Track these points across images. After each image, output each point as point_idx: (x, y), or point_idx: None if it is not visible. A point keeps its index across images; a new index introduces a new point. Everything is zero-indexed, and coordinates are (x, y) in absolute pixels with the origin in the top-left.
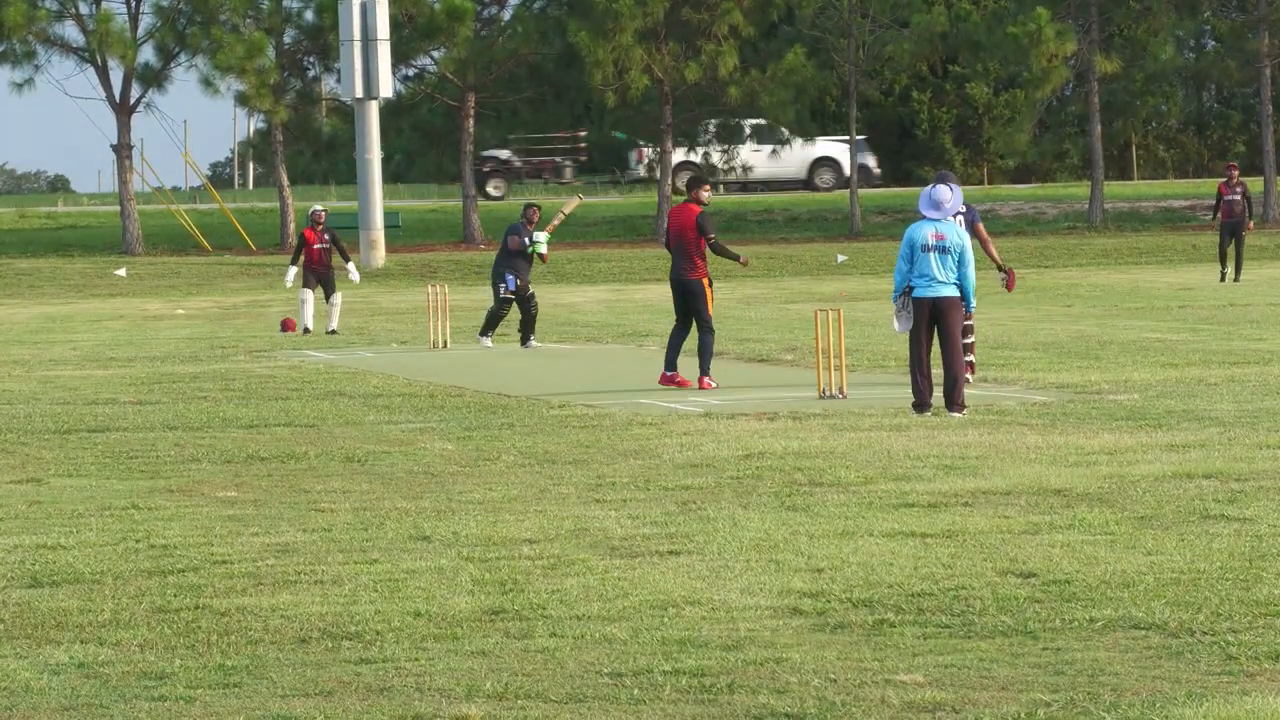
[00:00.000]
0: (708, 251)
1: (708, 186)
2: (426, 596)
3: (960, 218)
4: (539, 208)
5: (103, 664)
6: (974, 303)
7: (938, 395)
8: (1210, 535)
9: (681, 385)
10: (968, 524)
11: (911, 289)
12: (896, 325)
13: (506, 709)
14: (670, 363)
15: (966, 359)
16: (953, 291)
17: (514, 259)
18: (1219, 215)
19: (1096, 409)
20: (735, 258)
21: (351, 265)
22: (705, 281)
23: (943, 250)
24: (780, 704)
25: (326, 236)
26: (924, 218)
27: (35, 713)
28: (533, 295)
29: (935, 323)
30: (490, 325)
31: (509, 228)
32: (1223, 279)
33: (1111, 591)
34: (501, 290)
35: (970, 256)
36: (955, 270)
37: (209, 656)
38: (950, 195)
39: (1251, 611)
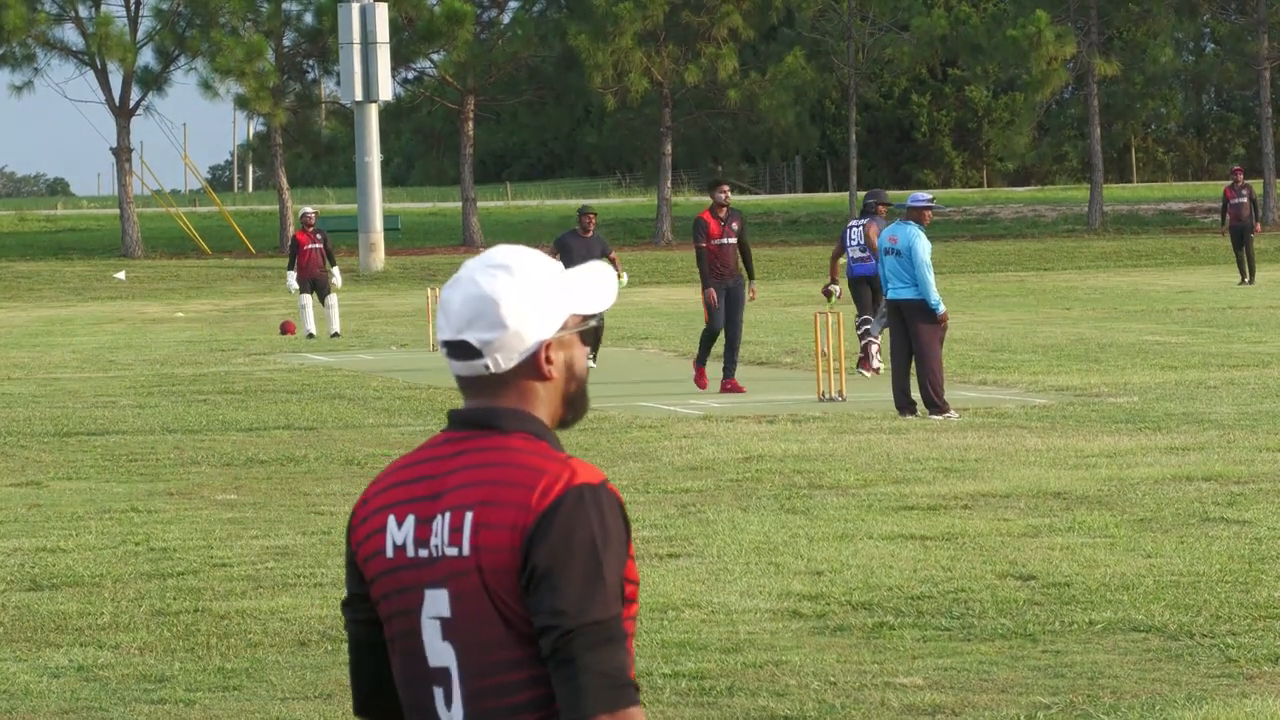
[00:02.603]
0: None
1: (723, 187)
2: None
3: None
4: (594, 214)
5: (102, 667)
6: (934, 301)
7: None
8: (1210, 538)
9: (736, 390)
10: (967, 527)
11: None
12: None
13: None
14: (702, 358)
15: None
16: (912, 294)
17: None
18: (1227, 219)
19: (1096, 412)
20: (704, 277)
21: (336, 270)
22: (702, 285)
23: (896, 253)
24: (780, 707)
25: (319, 237)
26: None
27: (35, 715)
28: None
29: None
30: None
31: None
32: (1247, 282)
33: (1111, 594)
34: None
35: (920, 257)
36: (910, 272)
37: (208, 659)
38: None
39: (1251, 614)
